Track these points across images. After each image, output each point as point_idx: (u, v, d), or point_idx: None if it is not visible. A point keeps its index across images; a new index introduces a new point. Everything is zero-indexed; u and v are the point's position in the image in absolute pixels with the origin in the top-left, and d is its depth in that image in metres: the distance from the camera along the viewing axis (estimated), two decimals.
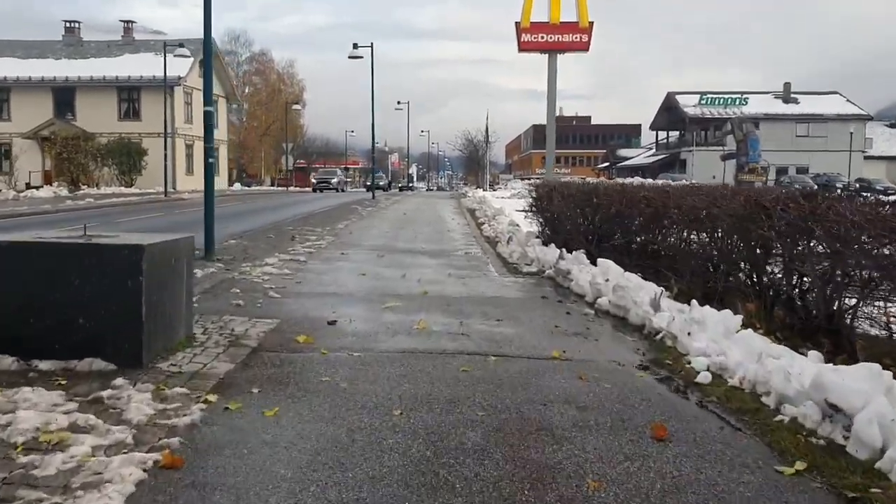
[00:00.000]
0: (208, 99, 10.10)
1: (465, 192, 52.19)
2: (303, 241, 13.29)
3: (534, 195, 12.47)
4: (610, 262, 7.65)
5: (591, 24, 24.59)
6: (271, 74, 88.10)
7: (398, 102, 61.76)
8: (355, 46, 33.71)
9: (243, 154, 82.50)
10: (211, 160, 10.11)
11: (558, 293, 8.09)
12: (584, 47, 24.88)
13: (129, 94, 45.13)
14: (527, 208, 12.73)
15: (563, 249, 9.54)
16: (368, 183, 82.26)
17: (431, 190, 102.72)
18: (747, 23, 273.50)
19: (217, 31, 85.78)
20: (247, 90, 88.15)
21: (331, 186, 52.72)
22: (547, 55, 25.27)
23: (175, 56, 47.16)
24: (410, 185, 76.94)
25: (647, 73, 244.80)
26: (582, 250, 9.99)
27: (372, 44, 34.35)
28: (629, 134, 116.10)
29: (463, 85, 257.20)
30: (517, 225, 13.92)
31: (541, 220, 11.92)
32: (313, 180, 56.85)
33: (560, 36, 24.58)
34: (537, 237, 11.68)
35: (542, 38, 24.76)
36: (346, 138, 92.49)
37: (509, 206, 23.83)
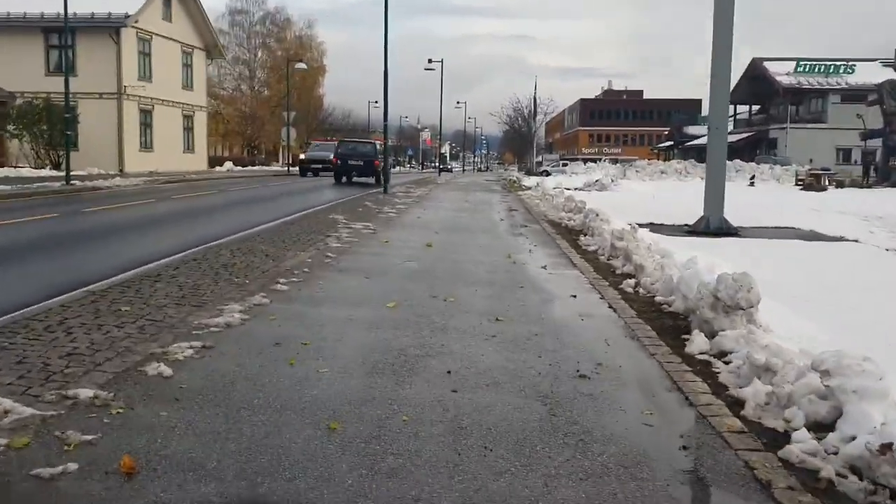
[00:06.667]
0: None
1: (517, 179, 39.32)
2: None
3: None
4: None
5: None
6: (288, 37, 76.33)
7: (429, 61, 48.95)
8: None
9: (250, 126, 70.82)
10: None
11: None
12: None
13: (59, 40, 33.00)
14: None
15: None
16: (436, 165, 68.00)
17: (456, 171, 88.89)
18: None
19: None
20: (259, 54, 76.55)
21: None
22: None
23: None
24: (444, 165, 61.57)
25: (691, 50, 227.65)
26: None
27: None
28: (689, 109, 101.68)
29: (498, 61, 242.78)
30: None
31: None
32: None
33: None
34: None
35: None
36: (370, 109, 79.82)
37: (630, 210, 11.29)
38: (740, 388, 4.29)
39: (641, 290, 7.05)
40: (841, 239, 12.67)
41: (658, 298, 6.63)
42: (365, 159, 29.69)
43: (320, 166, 37.05)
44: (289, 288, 6.70)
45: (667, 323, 5.91)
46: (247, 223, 12.30)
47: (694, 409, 3.93)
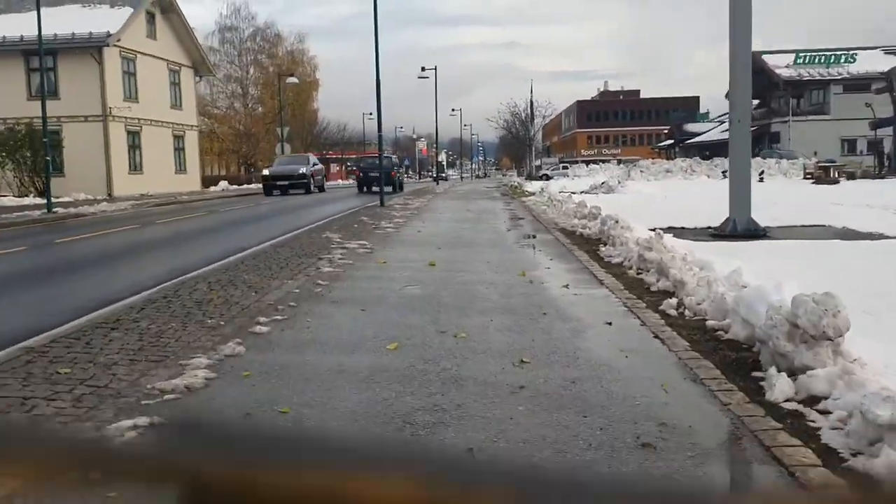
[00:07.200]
0: None
1: (519, 185, 38.35)
2: None
3: None
4: None
5: None
6: (280, 52, 75.71)
7: (422, 69, 48.05)
8: None
9: (245, 144, 70.01)
10: None
11: None
12: None
13: (40, 62, 32.09)
14: None
15: None
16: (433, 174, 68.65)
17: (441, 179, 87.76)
18: None
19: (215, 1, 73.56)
20: (251, 71, 75.88)
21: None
22: None
23: (112, 7, 34.36)
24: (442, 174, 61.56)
25: (684, 49, 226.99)
26: None
27: None
28: (688, 107, 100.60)
29: (491, 68, 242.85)
30: None
31: None
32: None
33: None
34: None
35: None
36: (364, 122, 78.88)
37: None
38: (857, 455, 3.22)
39: (687, 313, 5.98)
40: (881, 236, 11.62)
41: (710, 323, 5.56)
42: (383, 171, 31.91)
43: (287, 183, 32.88)
44: (270, 329, 5.64)
45: (728, 356, 4.84)
46: (233, 248, 11.26)
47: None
